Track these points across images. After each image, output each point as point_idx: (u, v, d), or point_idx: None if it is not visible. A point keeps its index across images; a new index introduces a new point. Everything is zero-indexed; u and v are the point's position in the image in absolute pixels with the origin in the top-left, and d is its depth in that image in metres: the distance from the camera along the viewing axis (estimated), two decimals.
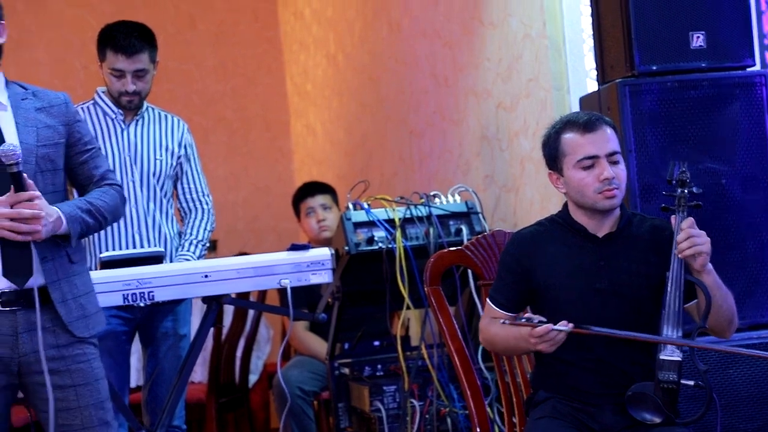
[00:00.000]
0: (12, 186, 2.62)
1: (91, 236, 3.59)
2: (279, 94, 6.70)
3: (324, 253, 3.42)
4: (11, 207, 2.61)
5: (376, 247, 3.87)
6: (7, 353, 2.69)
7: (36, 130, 2.74)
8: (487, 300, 2.90)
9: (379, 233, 3.89)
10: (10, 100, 2.75)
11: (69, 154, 2.81)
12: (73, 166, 2.83)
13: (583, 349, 2.78)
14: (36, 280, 2.68)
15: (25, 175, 2.63)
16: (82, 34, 5.93)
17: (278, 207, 6.25)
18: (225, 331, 4.98)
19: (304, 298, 4.32)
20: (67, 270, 2.75)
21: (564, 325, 2.65)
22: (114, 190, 2.86)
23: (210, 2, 6.54)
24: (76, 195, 2.92)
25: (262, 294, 4.95)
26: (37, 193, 2.64)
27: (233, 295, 3.44)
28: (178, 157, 3.82)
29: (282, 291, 3.93)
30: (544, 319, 2.68)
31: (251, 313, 5.13)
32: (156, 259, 3.39)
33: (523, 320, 2.69)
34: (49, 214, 2.65)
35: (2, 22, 2.73)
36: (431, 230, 3.89)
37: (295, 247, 3.41)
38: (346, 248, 3.88)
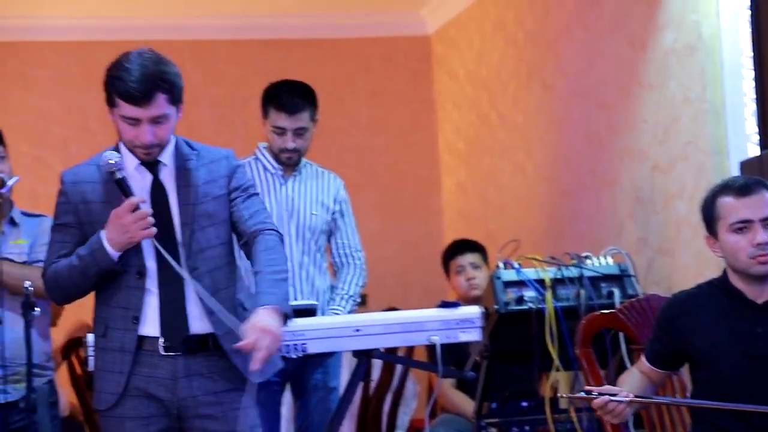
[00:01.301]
0: (121, 194, 2.74)
1: None
2: (431, 152, 6.75)
3: (474, 311, 3.42)
4: (132, 212, 2.71)
5: (526, 307, 3.85)
6: (167, 396, 2.79)
7: (196, 188, 2.83)
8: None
9: (529, 293, 3.88)
10: (176, 161, 2.86)
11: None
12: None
13: (742, 419, 2.71)
14: (198, 328, 2.78)
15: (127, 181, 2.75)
16: (244, 91, 6.14)
17: (427, 263, 6.27)
18: (373, 385, 5.02)
19: (451, 355, 4.32)
20: (239, 320, 2.79)
21: (623, 396, 2.64)
22: (269, 237, 2.86)
23: (367, 61, 6.68)
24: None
25: (410, 349, 4.97)
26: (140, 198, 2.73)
27: (382, 350, 3.47)
28: (333, 213, 3.91)
29: (430, 347, 3.95)
30: (617, 389, 2.68)
31: (399, 367, 5.15)
32: (309, 311, 3.46)
33: (582, 393, 2.68)
34: (272, 328, 2.67)
35: (180, 104, 2.84)
36: (582, 292, 3.85)
37: (445, 305, 3.42)
38: (496, 307, 3.87)
